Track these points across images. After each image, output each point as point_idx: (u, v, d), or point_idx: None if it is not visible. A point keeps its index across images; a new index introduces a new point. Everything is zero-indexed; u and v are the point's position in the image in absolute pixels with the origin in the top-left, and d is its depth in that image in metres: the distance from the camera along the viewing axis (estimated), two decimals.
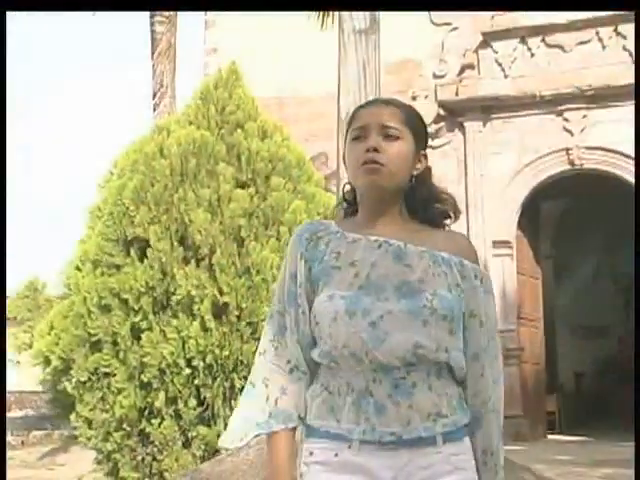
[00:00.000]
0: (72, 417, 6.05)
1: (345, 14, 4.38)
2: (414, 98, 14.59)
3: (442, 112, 14.21)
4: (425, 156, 2.13)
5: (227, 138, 6.43)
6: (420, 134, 2.11)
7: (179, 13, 12.27)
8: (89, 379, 5.96)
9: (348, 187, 2.15)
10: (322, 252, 2.06)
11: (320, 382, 2.03)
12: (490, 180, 13.45)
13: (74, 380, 5.97)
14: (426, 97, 14.46)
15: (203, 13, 15.62)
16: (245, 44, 15.07)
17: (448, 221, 2.14)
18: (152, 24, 11.95)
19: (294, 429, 2.05)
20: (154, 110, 11.65)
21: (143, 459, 5.84)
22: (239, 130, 6.50)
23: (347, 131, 2.11)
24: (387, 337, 1.92)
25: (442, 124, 14.27)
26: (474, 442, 2.04)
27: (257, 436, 2.10)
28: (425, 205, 2.11)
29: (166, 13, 11.74)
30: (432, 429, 1.94)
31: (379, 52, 4.61)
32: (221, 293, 5.67)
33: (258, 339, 5.73)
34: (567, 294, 18.72)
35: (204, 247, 5.85)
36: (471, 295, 2.04)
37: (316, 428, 1.99)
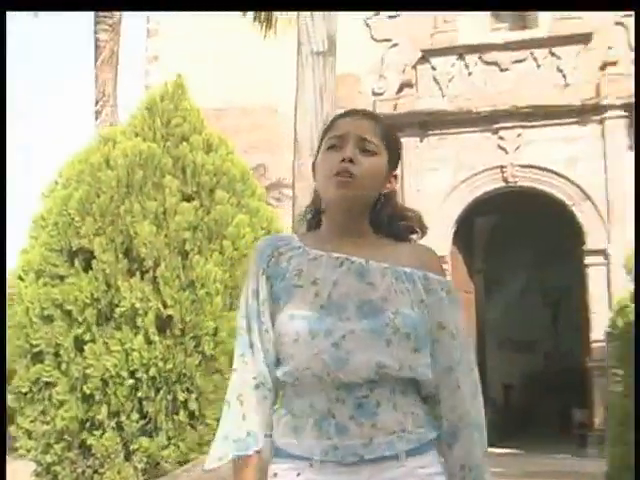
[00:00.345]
0: (12, 429, 5.98)
1: (304, 36, 4.45)
2: None
3: None
4: (395, 177, 2.12)
5: (173, 151, 6.43)
6: (395, 154, 2.10)
7: (123, 21, 12.21)
8: (30, 390, 5.90)
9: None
10: (284, 269, 2.04)
11: (285, 403, 2.03)
12: (426, 196, 13.64)
13: (15, 391, 5.91)
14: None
15: (146, 21, 15.55)
16: (187, 53, 15.06)
17: (415, 236, 2.13)
18: (96, 32, 11.88)
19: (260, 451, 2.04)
20: (96, 119, 11.59)
21: (83, 472, 5.81)
22: (184, 143, 6.51)
23: (322, 140, 2.08)
24: (350, 357, 1.92)
25: None
26: (452, 457, 2.01)
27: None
28: (390, 221, 2.10)
29: (110, 21, 11.70)
30: (394, 447, 1.93)
31: (335, 74, 4.70)
32: (165, 306, 5.68)
33: (202, 352, 5.74)
34: (497, 308, 19.02)
35: (149, 260, 5.84)
36: (438, 308, 2.01)
37: (281, 448, 2.00)
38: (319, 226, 2.11)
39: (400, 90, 14.58)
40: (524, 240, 18.22)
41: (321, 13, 4.31)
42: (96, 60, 11.72)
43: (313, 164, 2.11)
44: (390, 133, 2.11)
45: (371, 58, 14.71)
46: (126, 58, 13.04)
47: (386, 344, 1.93)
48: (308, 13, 4.32)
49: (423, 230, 2.13)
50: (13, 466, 6.40)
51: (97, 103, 11.64)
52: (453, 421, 2.00)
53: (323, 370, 1.93)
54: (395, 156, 2.10)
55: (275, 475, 2.00)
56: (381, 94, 14.76)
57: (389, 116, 14.46)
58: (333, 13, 4.39)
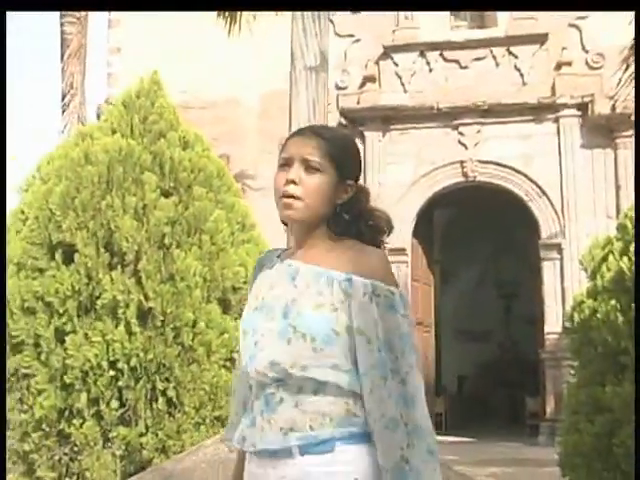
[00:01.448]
0: None
1: (297, 51, 4.68)
2: None
3: (343, 121, 14.61)
4: (352, 185, 2.16)
5: (150, 147, 6.58)
6: (345, 165, 2.15)
7: (89, 13, 12.24)
8: (8, 380, 6.01)
9: None
10: (256, 280, 2.24)
11: None
12: (388, 189, 13.92)
13: None
14: (329, 104, 14.84)
15: (107, 12, 15.54)
16: (149, 45, 15.13)
17: (383, 236, 2.19)
18: (62, 24, 11.87)
19: None
20: (63, 112, 11.62)
21: (60, 459, 5.94)
22: (162, 139, 6.66)
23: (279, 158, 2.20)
24: (257, 354, 2.08)
25: None
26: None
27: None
28: (355, 224, 2.16)
29: (77, 14, 11.70)
30: (283, 442, 2.02)
31: (327, 89, 4.94)
32: (147, 298, 5.84)
33: (181, 343, 5.92)
34: (451, 299, 19.36)
35: (130, 253, 6.00)
36: (358, 312, 2.02)
37: None
38: None
39: (363, 85, 14.83)
40: (481, 233, 18.62)
41: (315, 30, 4.54)
42: (63, 53, 11.72)
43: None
44: (338, 146, 2.15)
45: (334, 53, 14.90)
46: (89, 48, 13.06)
47: (287, 342, 2.03)
48: (301, 29, 4.54)
49: (390, 230, 2.20)
50: None
51: (64, 97, 11.65)
52: (369, 422, 2.01)
53: (246, 366, 2.13)
54: (346, 168, 2.15)
55: (249, 462, 2.17)
56: (344, 88, 15.00)
57: (352, 110, 14.71)
58: (325, 30, 4.61)
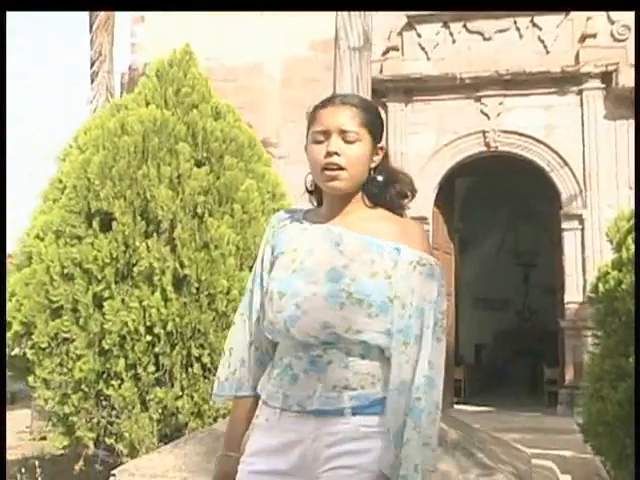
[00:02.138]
0: (30, 379, 6.28)
1: (341, 33, 4.81)
2: None
3: None
4: (382, 148, 2.24)
5: (184, 118, 6.72)
6: (376, 130, 2.22)
7: None
8: (49, 345, 6.20)
9: (310, 178, 2.29)
10: (281, 239, 2.26)
11: (274, 356, 2.25)
12: (410, 158, 13.97)
13: (34, 344, 6.20)
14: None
15: None
16: (172, 13, 15.15)
17: (405, 200, 2.26)
18: None
19: (252, 397, 2.28)
20: (92, 81, 11.74)
21: (98, 422, 6.14)
22: (194, 110, 6.79)
23: (308, 128, 2.23)
24: (302, 316, 2.10)
25: None
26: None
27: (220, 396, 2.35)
28: (384, 189, 2.22)
29: None
30: (336, 401, 2.08)
31: (370, 68, 5.07)
32: (182, 266, 6.01)
33: (215, 310, 6.10)
34: (470, 267, 19.40)
35: (165, 222, 6.16)
36: (400, 279, 2.10)
37: (260, 396, 2.25)
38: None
39: (386, 52, 14.81)
40: (501, 202, 18.65)
41: (358, 12, 4.68)
42: (92, 24, 11.83)
43: (305, 147, 2.25)
44: (369, 113, 2.21)
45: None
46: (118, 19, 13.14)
47: (340, 307, 2.07)
48: (345, 11, 4.68)
49: (413, 193, 2.26)
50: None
51: (93, 65, 11.78)
52: (387, 385, 2.09)
53: (283, 327, 2.12)
54: (378, 133, 2.22)
55: (256, 417, 2.27)
56: None
57: (375, 80, 14.73)
58: (368, 12, 4.74)
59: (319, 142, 2.16)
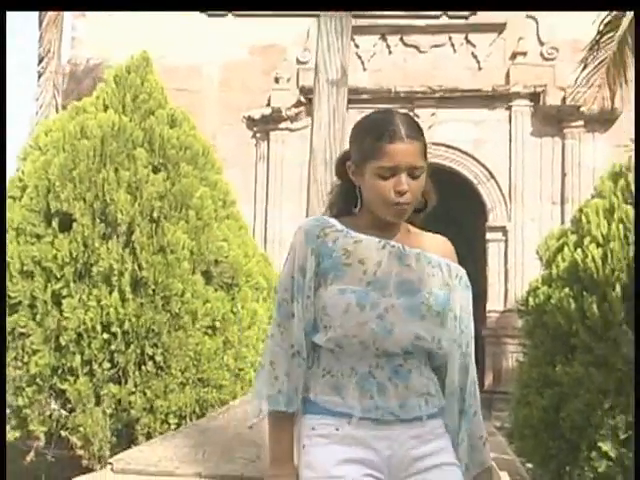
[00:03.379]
0: None
1: (321, 66, 5.16)
2: (277, 80, 15.32)
3: (302, 98, 14.98)
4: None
5: (141, 124, 6.96)
6: (426, 153, 2.30)
7: None
8: (6, 339, 6.37)
9: (343, 187, 2.37)
10: (331, 249, 2.26)
11: (322, 365, 2.27)
12: None
13: None
14: (288, 80, 15.22)
15: None
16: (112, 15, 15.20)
17: (420, 214, 2.39)
18: None
19: (295, 412, 2.28)
20: (39, 78, 11.80)
21: (51, 414, 6.34)
22: (152, 117, 7.04)
23: (367, 159, 2.21)
24: (393, 328, 2.19)
25: (302, 109, 15.05)
26: None
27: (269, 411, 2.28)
28: (421, 208, 2.37)
29: None
30: (421, 409, 2.24)
31: (346, 99, 5.43)
32: (140, 268, 6.26)
33: (169, 311, 6.37)
34: None
35: (123, 225, 6.41)
36: (452, 292, 2.30)
37: (319, 405, 2.23)
38: (350, 212, 2.35)
39: None
40: (428, 212, 19.15)
41: (337, 46, 5.01)
42: (41, 21, 11.88)
43: (350, 169, 2.30)
44: (425, 143, 2.29)
45: (296, 31, 15.19)
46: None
47: (421, 319, 2.21)
48: (326, 46, 5.01)
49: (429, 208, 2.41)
50: None
51: (41, 61, 11.84)
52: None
53: (369, 338, 2.18)
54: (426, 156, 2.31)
55: (313, 429, 2.22)
56: (305, 63, 15.33)
57: (311, 88, 15.03)
58: (347, 47, 5.09)
59: (385, 178, 2.20)
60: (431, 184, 2.39)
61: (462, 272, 2.36)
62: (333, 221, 2.33)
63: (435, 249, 2.34)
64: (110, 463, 3.87)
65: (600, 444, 6.01)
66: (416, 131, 2.26)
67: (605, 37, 8.92)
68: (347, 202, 2.37)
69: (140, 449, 4.30)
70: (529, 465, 7.44)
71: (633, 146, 6.37)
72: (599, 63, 9.05)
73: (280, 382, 2.26)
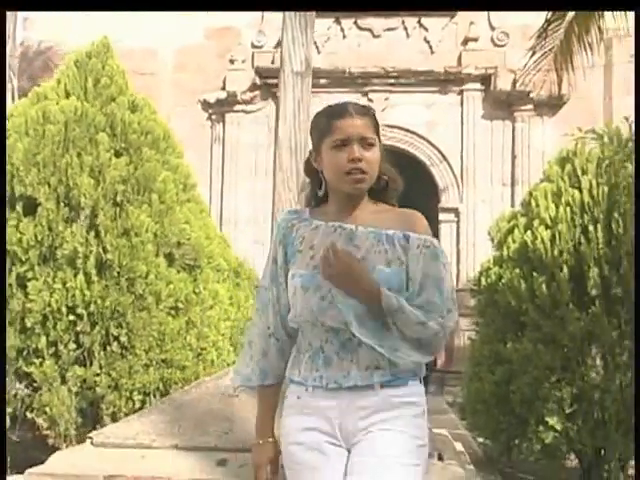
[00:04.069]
0: None
1: (286, 58, 5.33)
2: (232, 62, 15.42)
3: (258, 81, 15.10)
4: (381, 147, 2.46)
5: (102, 109, 7.06)
6: (379, 132, 2.46)
7: None
8: None
9: (311, 179, 2.53)
10: (293, 238, 2.48)
11: (296, 343, 2.49)
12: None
13: None
14: (243, 61, 15.32)
15: None
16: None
17: (397, 195, 2.52)
18: None
19: (275, 385, 2.55)
20: None
21: (16, 394, 6.46)
22: (113, 103, 7.15)
23: (322, 138, 2.42)
24: (331, 306, 2.34)
25: (257, 92, 15.19)
26: None
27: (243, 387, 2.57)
28: (386, 186, 2.50)
29: None
30: (368, 379, 2.36)
31: (310, 90, 5.62)
32: (105, 251, 6.40)
33: (134, 293, 6.53)
34: None
35: (87, 209, 6.53)
36: (413, 262, 2.36)
37: (288, 377, 2.50)
38: (325, 201, 2.52)
39: (278, 44, 15.24)
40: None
41: (302, 41, 5.19)
42: None
43: (312, 157, 2.50)
44: (376, 120, 2.47)
45: (252, 14, 15.29)
46: None
47: None
48: (291, 39, 5.17)
49: (401, 188, 2.52)
50: None
51: None
52: None
53: (312, 316, 2.38)
54: (380, 134, 2.48)
55: (286, 398, 2.50)
56: (260, 47, 15.45)
57: (266, 69, 15.17)
58: (310, 41, 5.26)
59: (339, 149, 2.38)
60: (395, 170, 2.56)
61: (427, 242, 2.40)
62: (303, 211, 2.55)
63: (395, 224, 2.43)
64: (90, 437, 4.04)
65: (547, 418, 6.31)
66: (365, 110, 2.47)
67: (553, 25, 9.19)
68: (318, 193, 2.55)
69: (117, 425, 4.49)
70: (480, 439, 7.76)
71: (580, 134, 6.64)
72: (548, 50, 9.33)
73: (254, 361, 2.54)
